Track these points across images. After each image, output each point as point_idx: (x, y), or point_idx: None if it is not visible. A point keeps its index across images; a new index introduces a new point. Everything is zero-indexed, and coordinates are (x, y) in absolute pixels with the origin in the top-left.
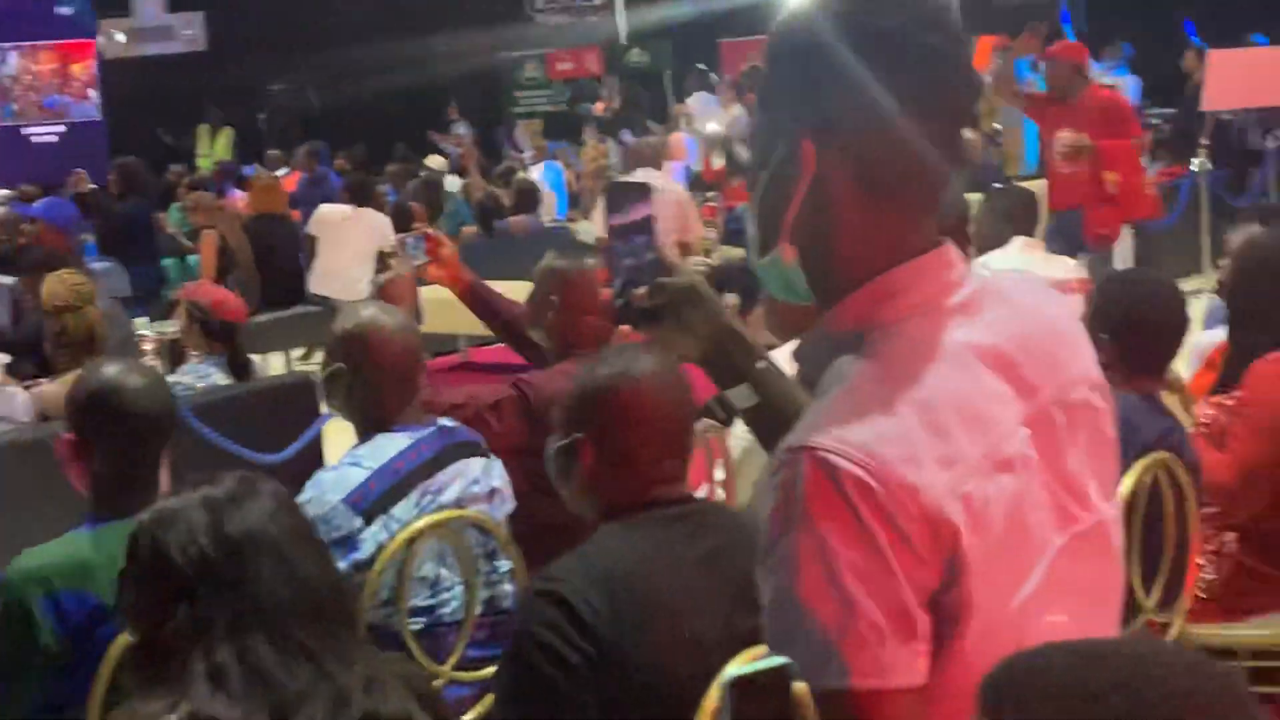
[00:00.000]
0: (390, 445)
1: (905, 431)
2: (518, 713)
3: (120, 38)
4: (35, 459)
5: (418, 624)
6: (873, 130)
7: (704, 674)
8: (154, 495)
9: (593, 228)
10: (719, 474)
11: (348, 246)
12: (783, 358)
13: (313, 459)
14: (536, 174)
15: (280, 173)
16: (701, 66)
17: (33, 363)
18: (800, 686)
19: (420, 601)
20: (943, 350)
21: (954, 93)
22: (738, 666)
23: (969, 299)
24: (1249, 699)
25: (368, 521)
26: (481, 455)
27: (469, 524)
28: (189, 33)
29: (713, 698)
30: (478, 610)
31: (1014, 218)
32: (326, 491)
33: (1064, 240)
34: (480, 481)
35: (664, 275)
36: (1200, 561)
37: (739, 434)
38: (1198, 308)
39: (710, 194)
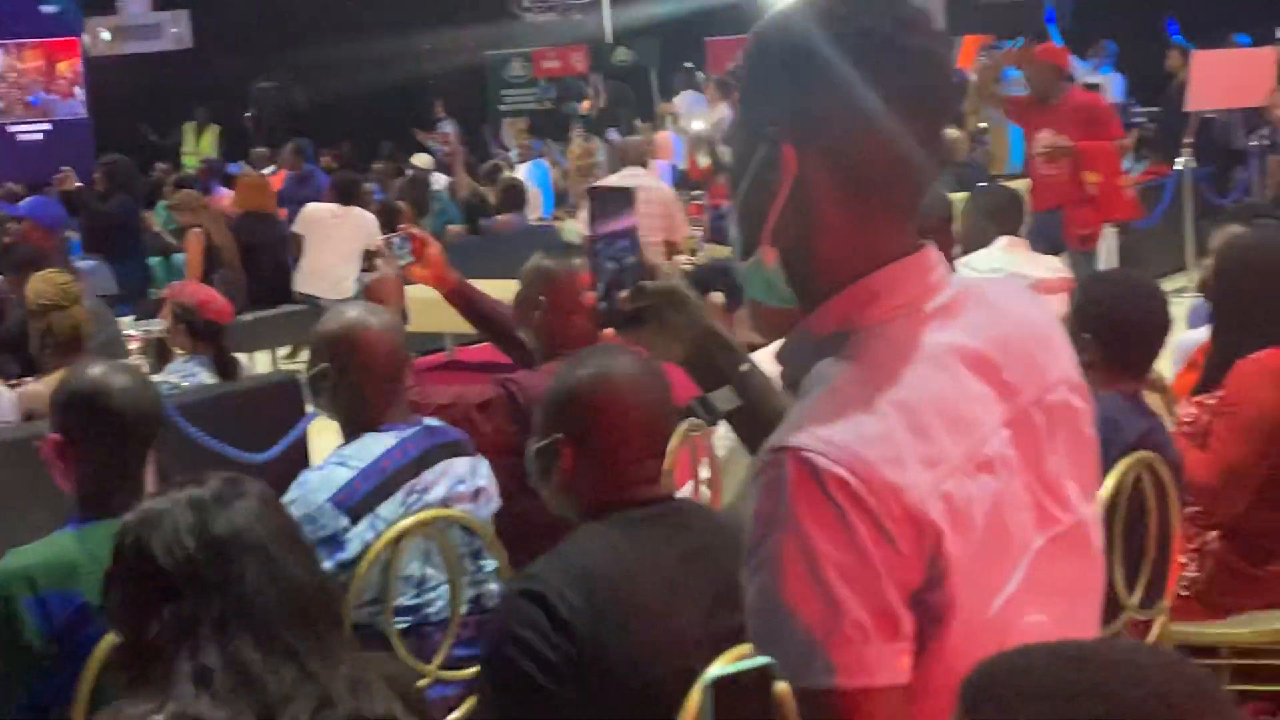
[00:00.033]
0: (376, 445)
1: (888, 432)
2: (498, 711)
3: (106, 35)
4: (20, 458)
5: (403, 623)
6: (853, 133)
7: (684, 672)
8: (140, 495)
9: (579, 226)
10: (704, 473)
11: (334, 245)
12: (766, 358)
13: (298, 458)
14: (523, 172)
15: (266, 171)
16: (689, 65)
17: (17, 361)
18: (782, 687)
19: (406, 601)
20: (924, 352)
21: (934, 95)
22: (719, 667)
23: (950, 301)
24: (1226, 700)
25: (354, 521)
26: (467, 454)
27: (454, 523)
28: (175, 30)
29: (695, 698)
30: (463, 609)
31: (998, 217)
32: (312, 491)
33: (1044, 241)
34: (466, 481)
35: (646, 279)
36: (1183, 560)
37: (724, 434)
38: (1181, 307)
39: (696, 192)
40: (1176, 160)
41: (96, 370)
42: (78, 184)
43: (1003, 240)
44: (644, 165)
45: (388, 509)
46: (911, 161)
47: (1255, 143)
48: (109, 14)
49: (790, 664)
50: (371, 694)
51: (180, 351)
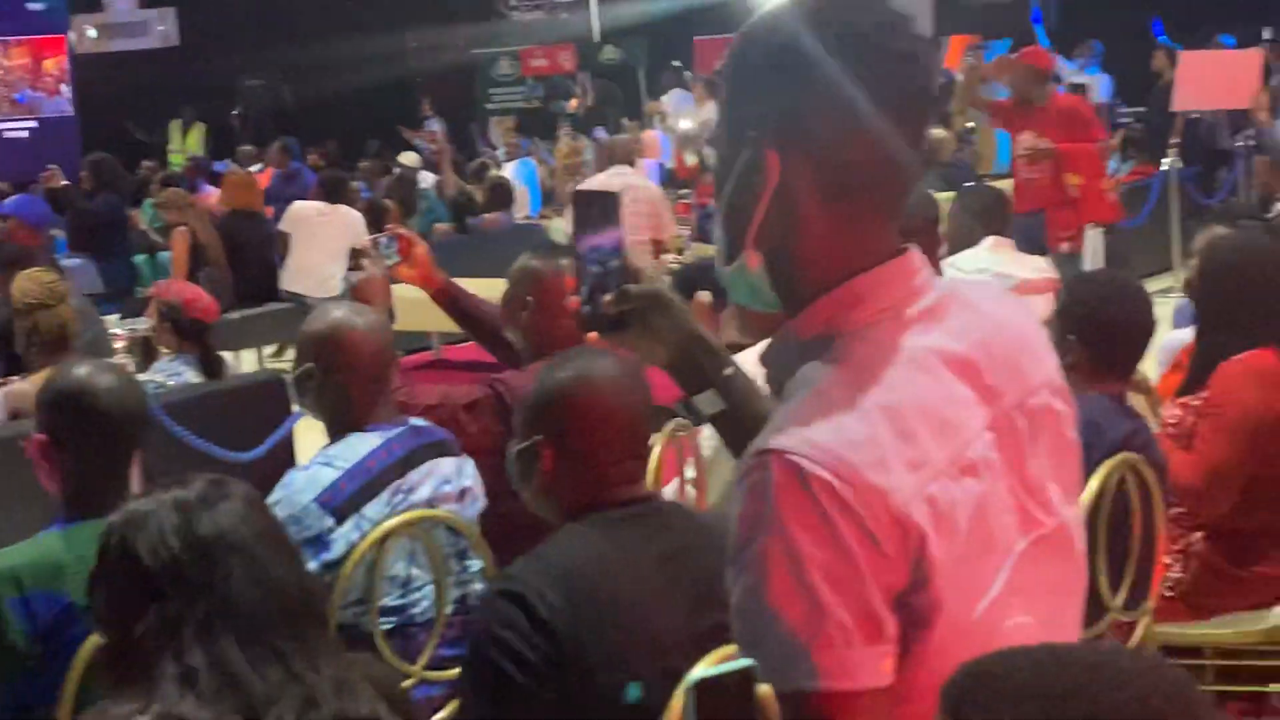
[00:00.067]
0: (362, 445)
1: (873, 435)
2: (478, 711)
3: (92, 33)
4: (6, 458)
5: (388, 624)
6: (836, 137)
7: (664, 672)
8: (125, 495)
9: (566, 225)
10: (690, 473)
11: (321, 243)
12: (750, 359)
13: (284, 457)
14: (510, 171)
15: (253, 169)
16: (677, 64)
17: (3, 360)
18: (765, 689)
19: (391, 601)
20: (908, 355)
21: (917, 98)
22: (702, 669)
23: (933, 305)
24: (1206, 703)
25: (339, 521)
26: (453, 455)
27: (440, 524)
28: (161, 28)
29: (678, 700)
30: (448, 610)
31: (984, 217)
32: (297, 491)
33: (1027, 244)
34: (452, 481)
35: (630, 282)
36: (1167, 561)
37: (709, 434)
38: (1167, 307)
39: (683, 191)
40: (1163, 160)
41: (82, 370)
42: (64, 182)
43: (989, 240)
44: (631, 164)
45: (373, 509)
46: (895, 165)
47: (1241, 143)
48: (95, 11)
49: (773, 666)
50: (356, 695)
51: (166, 350)
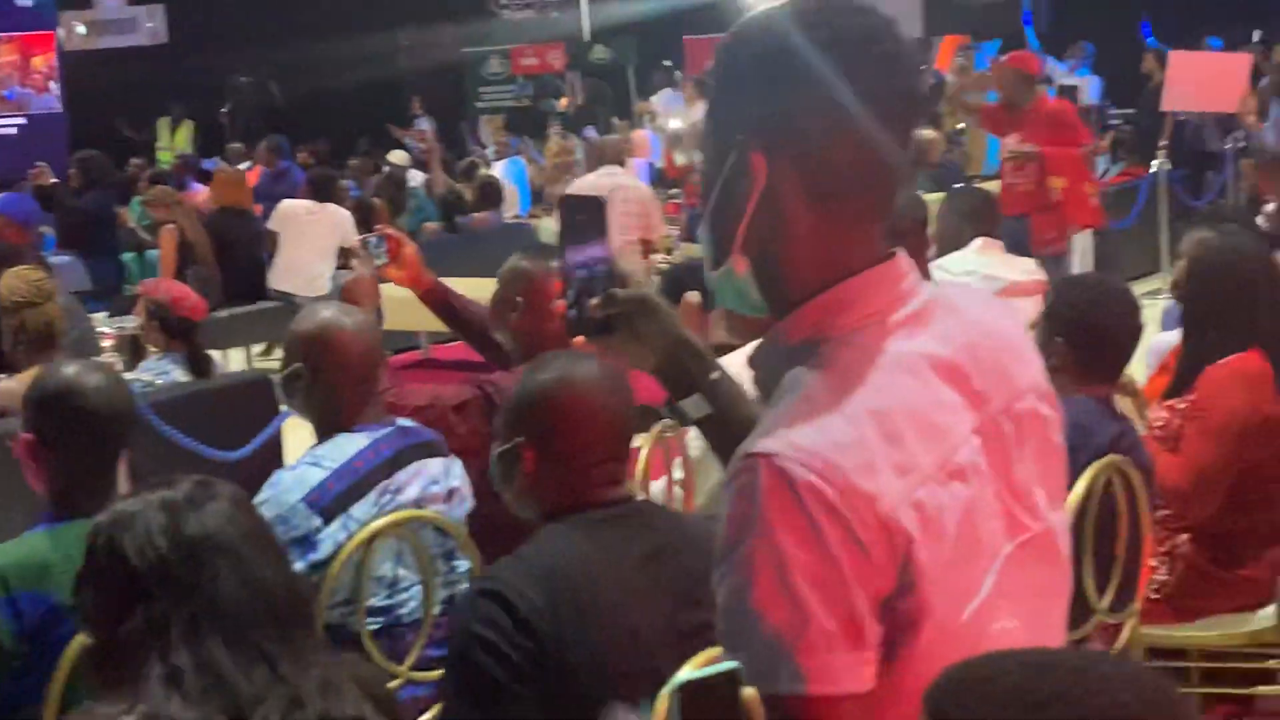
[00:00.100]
0: (349, 445)
1: (861, 440)
2: (461, 710)
3: (81, 30)
4: None
5: (376, 624)
6: (822, 141)
7: (646, 670)
8: (112, 495)
9: (555, 225)
10: (677, 474)
11: (309, 242)
12: (738, 361)
13: (272, 456)
14: (499, 170)
15: (242, 167)
16: (667, 63)
17: None
18: (749, 691)
19: (378, 601)
20: (896, 360)
21: (903, 102)
22: (688, 671)
23: (921, 309)
24: (1187, 708)
25: (326, 521)
26: (441, 455)
27: (427, 524)
28: (150, 25)
29: (663, 702)
30: (436, 610)
31: (973, 218)
32: (285, 491)
33: (1012, 249)
34: (439, 481)
35: (617, 287)
36: (1153, 563)
37: (697, 434)
38: (1156, 309)
39: (673, 191)
40: (1153, 162)
41: (70, 370)
42: (53, 179)
43: (977, 242)
44: (621, 163)
45: (360, 509)
46: (882, 168)
47: (1230, 146)
48: (85, 8)
49: (756, 668)
50: (342, 696)
51: (153, 349)
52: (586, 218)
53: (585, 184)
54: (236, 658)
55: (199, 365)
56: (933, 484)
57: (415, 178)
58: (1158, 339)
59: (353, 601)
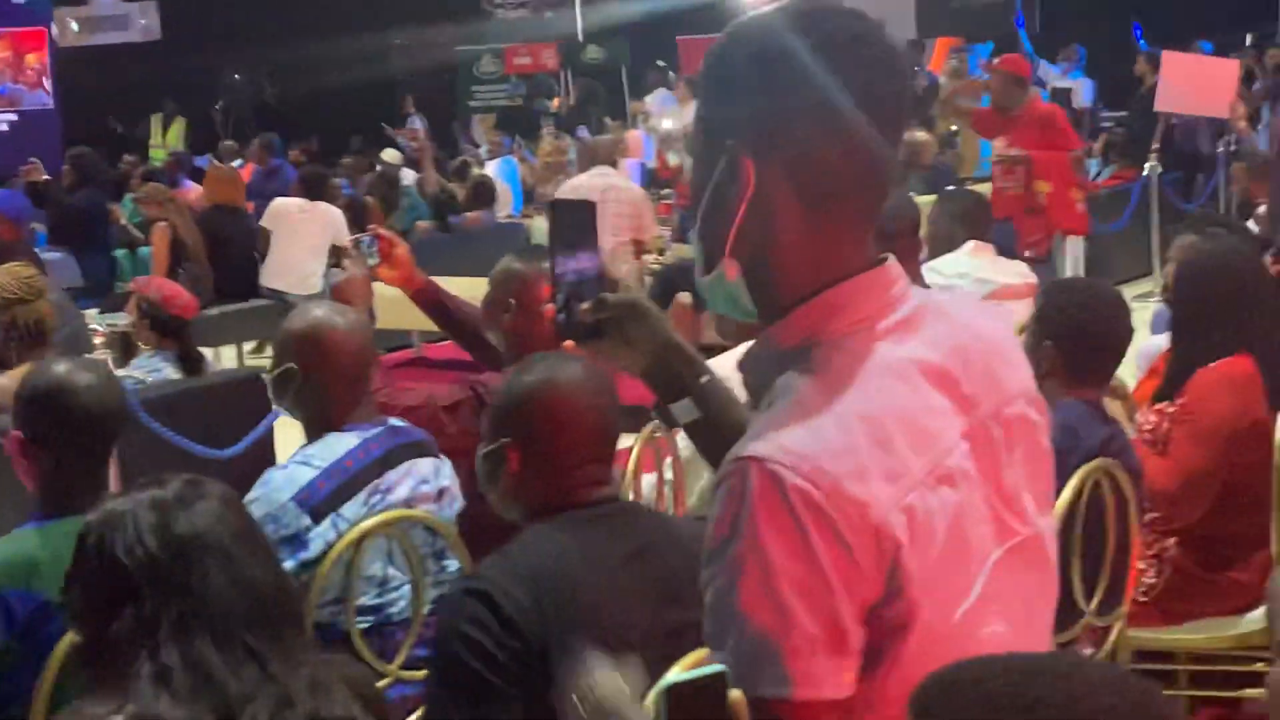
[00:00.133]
0: (340, 444)
1: (852, 445)
2: (445, 708)
3: (74, 26)
4: None
5: (365, 623)
6: (812, 145)
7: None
8: (103, 493)
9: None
10: (668, 474)
11: (301, 240)
12: (728, 363)
13: (264, 454)
14: (492, 169)
15: (234, 164)
16: (661, 64)
17: None
18: (736, 694)
19: (368, 601)
20: (887, 365)
21: (891, 106)
22: (675, 674)
23: (911, 315)
24: (1172, 713)
25: (316, 520)
26: (431, 455)
27: (417, 524)
28: (143, 22)
29: (650, 704)
30: (425, 610)
31: (965, 220)
32: (275, 490)
33: (1000, 251)
34: (430, 481)
35: (607, 290)
36: (1141, 566)
37: None
38: (1147, 312)
39: (665, 191)
40: (1145, 165)
41: (61, 368)
42: (45, 176)
43: (969, 244)
44: (614, 164)
45: (350, 509)
46: (872, 173)
47: (1221, 149)
48: (78, 4)
49: (740, 671)
50: (331, 695)
51: (145, 346)
52: (576, 222)
53: (577, 184)
54: (226, 657)
55: (190, 363)
56: (923, 489)
57: (408, 176)
58: (1148, 342)
59: (343, 600)
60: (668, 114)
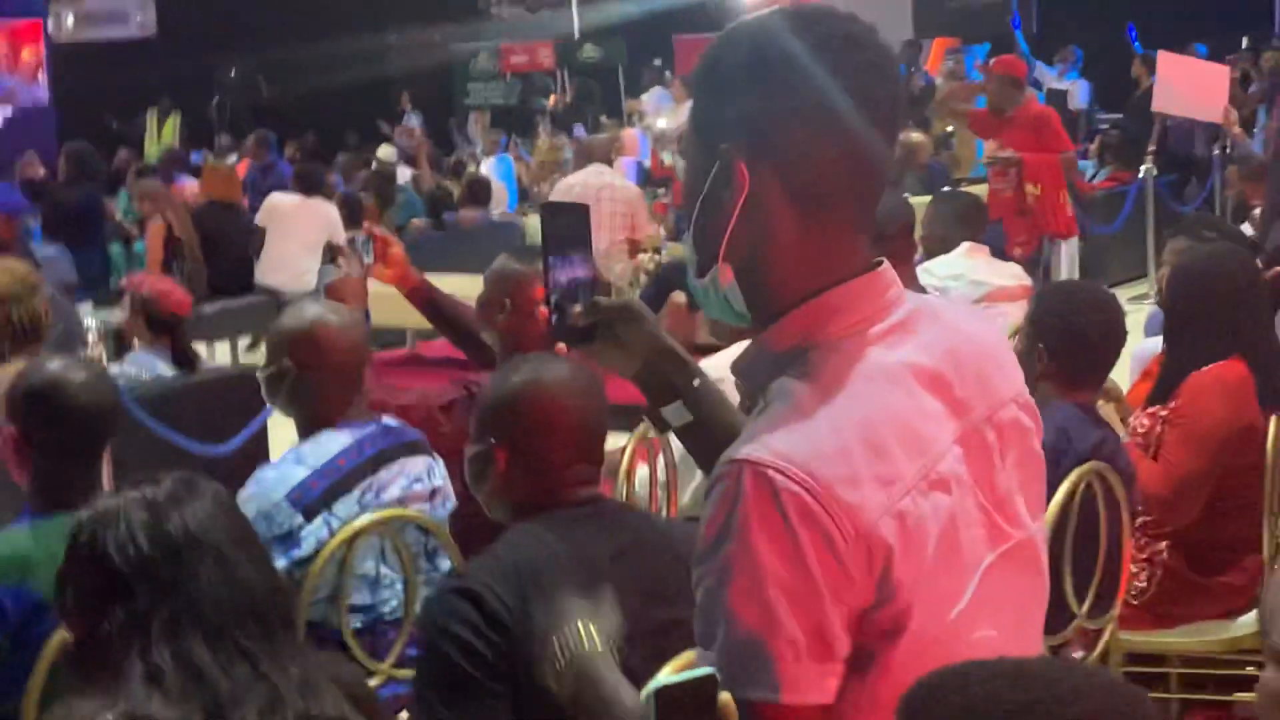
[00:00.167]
0: (333, 443)
1: (845, 450)
2: (433, 705)
3: (70, 21)
4: None
5: (357, 621)
6: (805, 150)
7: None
8: (96, 490)
9: None
10: (661, 475)
11: (296, 237)
12: (721, 364)
13: (258, 451)
14: (488, 167)
15: (230, 160)
16: (657, 62)
17: None
18: (725, 697)
19: (360, 599)
20: (881, 369)
21: (884, 109)
22: (665, 676)
23: (905, 319)
24: (1156, 719)
25: (309, 518)
26: (424, 454)
27: (410, 523)
28: (140, 18)
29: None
30: (418, 608)
31: (960, 222)
32: (269, 488)
33: (992, 253)
34: (423, 480)
35: (599, 293)
36: (1133, 569)
37: None
38: (1142, 314)
39: (661, 190)
40: (1141, 167)
41: (55, 366)
42: (41, 171)
43: (964, 246)
44: (609, 163)
45: (343, 507)
46: (865, 177)
47: (1217, 151)
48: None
49: (727, 672)
50: (322, 695)
51: (139, 343)
52: (569, 225)
53: (573, 182)
54: (217, 656)
55: (184, 359)
56: (915, 495)
57: (403, 174)
58: (1141, 345)
59: (335, 597)
60: (663, 113)
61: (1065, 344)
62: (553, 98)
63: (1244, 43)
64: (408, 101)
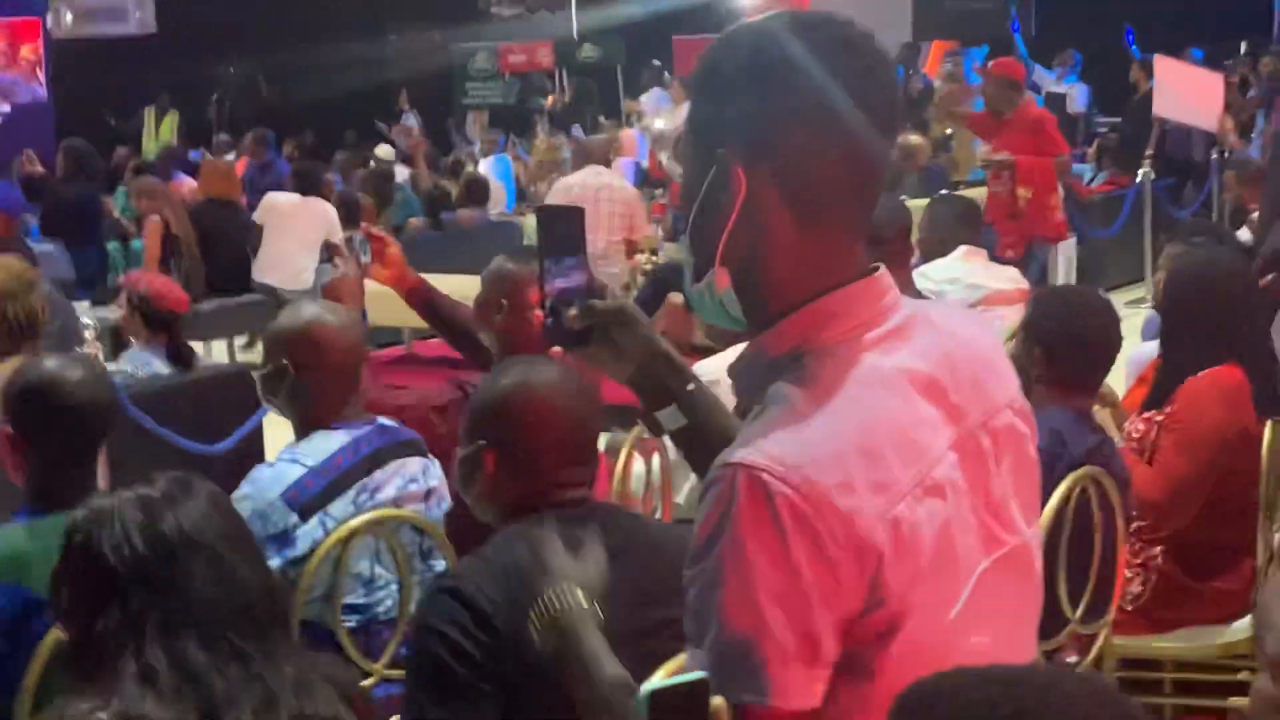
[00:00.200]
0: (329, 443)
1: (840, 456)
2: (423, 705)
3: (69, 18)
4: None
5: (352, 621)
6: (802, 154)
7: None
8: (92, 488)
9: None
10: (656, 477)
11: (294, 235)
12: (717, 367)
13: (254, 449)
14: (486, 167)
15: (228, 158)
16: (656, 63)
17: None
18: (718, 701)
19: (355, 599)
20: (877, 375)
21: (882, 115)
22: (658, 680)
23: (901, 324)
24: None
25: (304, 518)
26: (420, 454)
27: (405, 523)
28: (139, 15)
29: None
30: (412, 609)
31: (957, 225)
32: (264, 487)
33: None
34: (418, 481)
35: (595, 297)
36: (1127, 574)
37: None
38: (1139, 318)
39: (659, 191)
40: (1138, 171)
41: (51, 364)
42: (39, 168)
43: (961, 249)
44: (608, 163)
45: (338, 507)
46: (862, 182)
47: (1214, 156)
48: None
49: (716, 673)
50: (316, 695)
51: (135, 340)
52: (564, 228)
53: (571, 182)
54: (211, 656)
55: (181, 357)
56: (910, 501)
57: (401, 173)
58: (1138, 350)
59: (330, 597)
60: (662, 113)
61: (1061, 348)
62: (551, 98)
63: (1243, 48)
64: (406, 101)
